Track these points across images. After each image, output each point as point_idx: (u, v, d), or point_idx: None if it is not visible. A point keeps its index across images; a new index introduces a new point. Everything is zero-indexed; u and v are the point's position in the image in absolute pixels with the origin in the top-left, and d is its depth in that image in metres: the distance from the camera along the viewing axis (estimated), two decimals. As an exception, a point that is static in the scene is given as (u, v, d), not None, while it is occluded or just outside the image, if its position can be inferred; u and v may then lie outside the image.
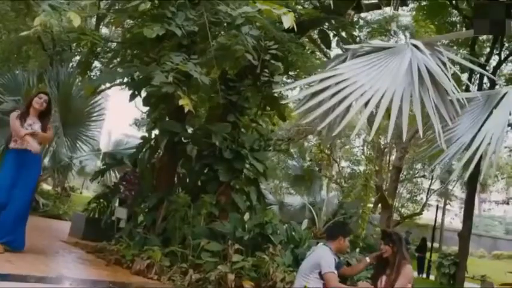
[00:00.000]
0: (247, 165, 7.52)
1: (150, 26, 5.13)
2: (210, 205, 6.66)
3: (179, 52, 5.97)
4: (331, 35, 8.69)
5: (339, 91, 4.63)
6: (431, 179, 22.88)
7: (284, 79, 8.04)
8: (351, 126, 23.79)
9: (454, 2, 12.71)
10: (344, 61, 5.26)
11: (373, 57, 5.01)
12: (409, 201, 22.91)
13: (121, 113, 45.56)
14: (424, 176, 23.31)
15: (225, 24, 5.80)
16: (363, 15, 10.31)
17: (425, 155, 6.56)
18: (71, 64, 15.60)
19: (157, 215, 7.09)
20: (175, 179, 8.04)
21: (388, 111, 4.30)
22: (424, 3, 13.28)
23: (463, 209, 26.80)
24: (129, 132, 24.88)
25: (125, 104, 23.21)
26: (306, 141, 22.93)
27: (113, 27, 8.19)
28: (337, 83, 4.70)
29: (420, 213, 22.79)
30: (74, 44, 16.30)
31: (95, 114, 11.34)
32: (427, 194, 22.96)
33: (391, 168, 18.56)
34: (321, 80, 4.92)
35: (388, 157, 19.92)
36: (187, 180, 7.85)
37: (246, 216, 6.50)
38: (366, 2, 8.02)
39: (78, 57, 16.20)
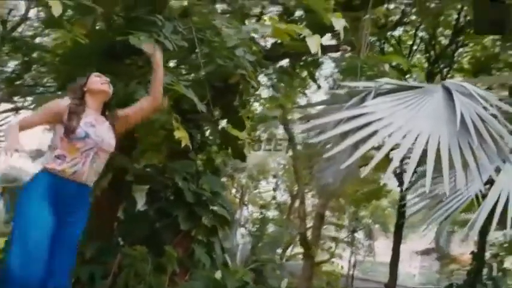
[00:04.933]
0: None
1: (137, 34, 4.03)
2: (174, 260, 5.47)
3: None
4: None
5: (372, 133, 3.90)
6: (340, 227, 23.04)
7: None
8: (264, 170, 23.51)
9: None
10: (364, 99, 4.57)
11: (403, 97, 4.32)
12: (318, 248, 22.77)
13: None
14: (332, 223, 23.37)
15: (216, 43, 4.85)
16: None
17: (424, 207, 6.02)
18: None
19: (98, 268, 5.73)
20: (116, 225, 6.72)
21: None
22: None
23: (366, 257, 27.68)
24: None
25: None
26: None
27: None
28: (364, 124, 3.97)
29: (328, 260, 22.72)
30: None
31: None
32: (335, 241, 23.04)
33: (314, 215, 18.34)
34: (348, 119, 4.17)
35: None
36: (133, 227, 6.54)
37: (218, 274, 5.40)
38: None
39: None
